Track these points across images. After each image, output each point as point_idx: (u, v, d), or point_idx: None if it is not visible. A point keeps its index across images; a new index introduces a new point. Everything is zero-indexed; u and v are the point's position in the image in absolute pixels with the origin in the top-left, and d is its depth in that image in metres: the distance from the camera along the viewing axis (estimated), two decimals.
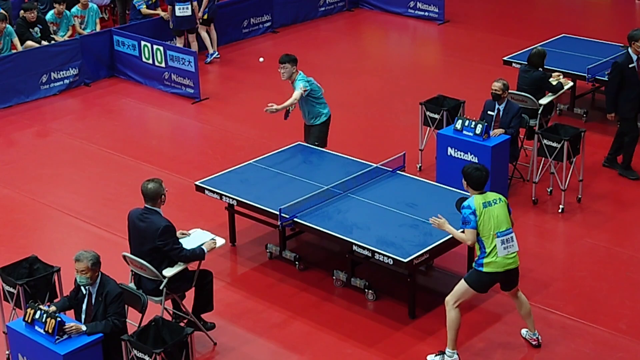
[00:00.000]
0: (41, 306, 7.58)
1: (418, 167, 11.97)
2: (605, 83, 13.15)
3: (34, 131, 13.90)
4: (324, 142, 11.07)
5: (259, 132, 13.35)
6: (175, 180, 11.76)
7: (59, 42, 15.49)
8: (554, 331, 8.80)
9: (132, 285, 8.50)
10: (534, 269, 9.81)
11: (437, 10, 18.31)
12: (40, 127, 14.00)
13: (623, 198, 11.30)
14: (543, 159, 11.04)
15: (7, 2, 16.33)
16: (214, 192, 10.03)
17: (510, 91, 11.28)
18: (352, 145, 12.48)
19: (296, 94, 10.73)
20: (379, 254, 8.70)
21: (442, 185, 10.08)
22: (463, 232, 8.08)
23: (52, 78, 15.08)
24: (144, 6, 16.48)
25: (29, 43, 15.20)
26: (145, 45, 15.30)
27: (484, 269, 8.01)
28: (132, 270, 8.57)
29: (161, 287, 8.30)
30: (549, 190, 11.30)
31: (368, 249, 8.79)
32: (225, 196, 9.92)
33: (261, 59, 10.92)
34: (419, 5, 18.49)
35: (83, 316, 7.70)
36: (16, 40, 15.09)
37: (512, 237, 8.06)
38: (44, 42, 15.38)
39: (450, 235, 8.40)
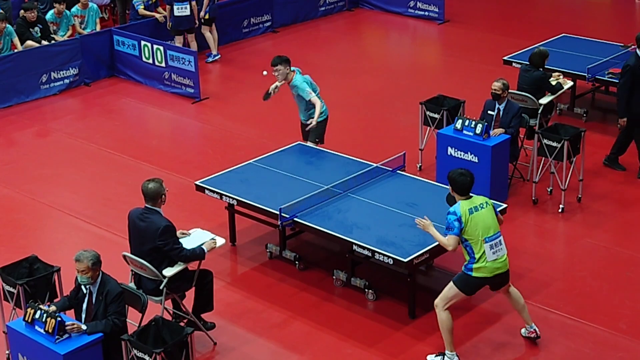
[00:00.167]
0: (41, 306, 7.58)
1: (418, 166, 11.97)
2: (606, 83, 13.19)
3: (34, 131, 13.90)
4: (322, 139, 11.10)
5: (259, 132, 13.36)
6: (175, 180, 11.77)
7: (59, 41, 15.50)
8: (554, 331, 8.80)
9: (132, 285, 8.50)
10: (534, 268, 9.81)
11: (437, 10, 18.31)
12: (40, 127, 14.00)
13: (623, 198, 11.29)
14: (543, 158, 11.04)
15: (7, 2, 16.33)
16: (214, 191, 10.03)
17: (510, 91, 11.28)
18: (352, 145, 12.48)
19: (314, 99, 10.85)
20: (379, 253, 8.70)
21: (442, 185, 10.07)
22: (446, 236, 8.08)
23: (52, 78, 15.08)
24: (142, 6, 16.47)
25: (29, 43, 15.20)
26: (145, 45, 15.30)
27: (474, 274, 8.02)
28: (132, 270, 8.57)
29: (161, 287, 8.30)
30: (549, 190, 11.30)
31: (368, 249, 8.80)
32: (226, 196, 9.92)
33: (265, 72, 10.95)
34: (419, 5, 18.49)
35: (83, 315, 7.70)
36: (16, 40, 15.09)
37: (500, 241, 8.06)
38: (44, 42, 15.38)
39: None
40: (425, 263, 9.21)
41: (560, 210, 10.93)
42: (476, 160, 10.71)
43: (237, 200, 9.84)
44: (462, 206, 7.96)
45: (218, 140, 13.34)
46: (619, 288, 9.49)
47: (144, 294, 8.09)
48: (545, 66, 12.09)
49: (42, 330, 7.44)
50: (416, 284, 9.16)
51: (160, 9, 16.61)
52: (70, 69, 15.28)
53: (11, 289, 8.18)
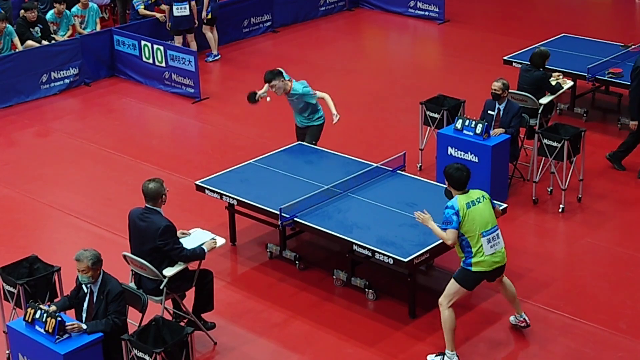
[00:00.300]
0: (41, 306, 7.58)
1: (418, 166, 11.97)
2: (606, 83, 13.20)
3: (34, 131, 13.90)
4: (318, 141, 11.12)
5: (259, 132, 13.36)
6: (175, 180, 11.77)
7: (59, 41, 15.50)
8: (554, 330, 8.81)
9: (132, 284, 8.50)
10: (534, 268, 9.81)
11: (437, 9, 18.32)
12: (40, 127, 14.00)
13: (623, 198, 11.29)
14: (543, 158, 11.04)
15: (8, 2, 16.33)
16: (214, 191, 10.03)
17: (510, 91, 11.28)
18: (352, 144, 12.48)
19: (321, 95, 11.00)
20: (379, 253, 8.70)
21: (442, 185, 10.05)
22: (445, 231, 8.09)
23: (53, 78, 15.08)
24: (142, 6, 16.48)
25: (29, 43, 15.21)
26: (145, 45, 15.31)
27: (473, 269, 8.04)
28: (132, 270, 8.58)
29: (161, 287, 8.30)
30: (549, 189, 11.30)
31: (368, 249, 8.80)
32: (226, 196, 9.93)
33: (268, 99, 10.98)
34: (419, 4, 18.49)
35: (84, 315, 7.70)
36: (16, 40, 15.09)
37: (497, 235, 8.09)
38: (44, 42, 15.38)
39: None
40: (426, 263, 9.20)
41: (560, 210, 10.93)
42: (476, 160, 10.71)
43: (237, 200, 9.84)
44: (459, 200, 7.97)
45: (218, 140, 13.34)
46: (619, 288, 9.49)
47: (144, 294, 8.10)
48: (546, 66, 12.09)
49: (42, 330, 7.44)
50: (416, 283, 9.17)
51: (163, 7, 16.58)
52: (71, 68, 15.28)
53: (11, 289, 8.18)
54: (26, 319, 7.58)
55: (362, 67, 16.07)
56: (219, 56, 16.51)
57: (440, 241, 8.73)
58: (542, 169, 11.19)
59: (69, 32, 16.05)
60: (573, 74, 12.96)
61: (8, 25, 15.04)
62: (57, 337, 7.35)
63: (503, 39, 16.94)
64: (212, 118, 14.12)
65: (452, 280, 8.18)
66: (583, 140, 10.94)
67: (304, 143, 11.06)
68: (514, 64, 13.39)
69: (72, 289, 7.87)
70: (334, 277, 9.63)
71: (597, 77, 12.84)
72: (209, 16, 16.18)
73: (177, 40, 15.86)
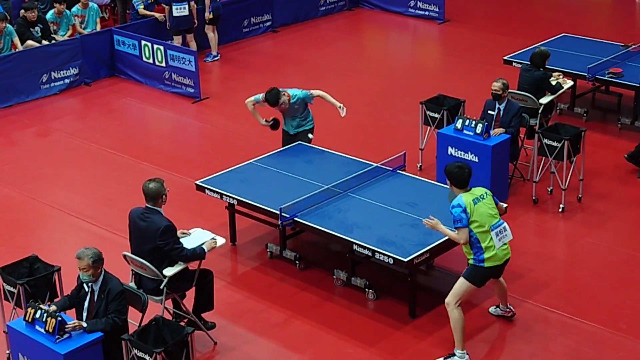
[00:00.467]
0: (42, 306, 7.58)
1: (418, 166, 11.97)
2: (606, 83, 13.19)
3: (35, 131, 13.90)
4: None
5: (260, 132, 13.34)
6: (175, 180, 11.77)
7: (59, 41, 15.50)
8: (555, 330, 8.81)
9: (132, 284, 8.50)
10: (534, 268, 9.81)
11: (437, 9, 18.32)
12: (40, 127, 14.00)
13: (623, 197, 11.29)
14: (543, 158, 11.04)
15: (8, 2, 16.33)
16: (214, 191, 10.03)
17: (510, 90, 11.29)
18: (353, 144, 12.48)
19: (317, 93, 11.01)
20: (380, 253, 8.70)
21: (442, 185, 10.07)
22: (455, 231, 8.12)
23: (53, 77, 15.08)
24: (142, 6, 16.48)
25: (30, 42, 15.21)
26: (145, 45, 15.31)
27: (486, 265, 8.07)
28: (132, 270, 8.58)
29: (162, 287, 8.30)
30: (549, 189, 11.30)
31: (368, 249, 8.80)
32: (226, 195, 9.93)
33: (310, 136, 10.85)
34: (419, 4, 18.49)
35: (85, 314, 7.70)
36: (16, 40, 15.09)
37: (504, 227, 8.15)
38: (45, 42, 15.38)
39: None
40: (426, 263, 9.20)
41: (560, 210, 10.93)
42: (476, 160, 10.71)
43: (237, 200, 9.84)
44: (465, 198, 8.00)
45: (218, 140, 13.34)
46: (619, 288, 9.49)
47: (144, 294, 8.10)
48: (546, 66, 12.09)
49: (42, 330, 7.44)
50: (416, 283, 9.16)
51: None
52: (71, 68, 15.28)
53: (11, 289, 8.18)
54: (26, 318, 7.58)
55: (362, 67, 16.07)
56: (219, 57, 16.50)
57: (441, 241, 8.77)
58: (542, 169, 11.19)
59: (69, 32, 16.05)
60: (573, 74, 12.96)
61: (8, 25, 15.04)
62: (57, 337, 7.35)
63: (503, 38, 16.94)
64: (212, 118, 14.12)
65: (462, 279, 8.18)
66: (583, 140, 10.94)
67: (305, 143, 11.05)
68: (514, 63, 13.39)
69: (73, 288, 7.87)
70: (334, 277, 9.63)
71: (597, 77, 12.84)
72: (211, 16, 16.17)
73: (177, 41, 15.86)
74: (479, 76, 14.91)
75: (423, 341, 8.71)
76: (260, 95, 10.82)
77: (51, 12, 16.00)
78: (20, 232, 10.93)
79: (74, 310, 7.86)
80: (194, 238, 8.77)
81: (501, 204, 8.67)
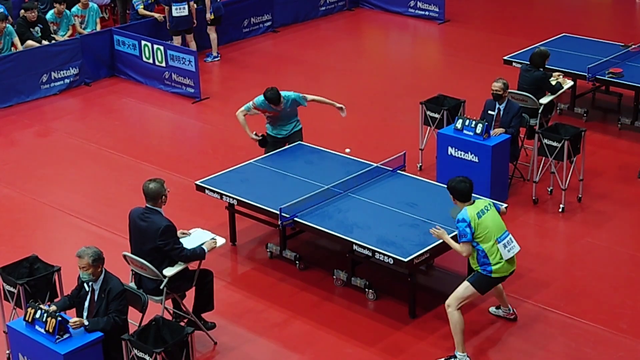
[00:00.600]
0: (42, 306, 7.58)
1: (418, 166, 11.97)
2: (606, 83, 13.19)
3: (35, 131, 13.90)
4: None
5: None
6: (175, 180, 11.76)
7: (59, 41, 15.50)
8: (555, 330, 8.81)
9: (132, 284, 8.50)
10: (534, 268, 9.81)
11: (437, 9, 18.32)
12: (40, 127, 14.00)
13: (623, 197, 11.29)
14: (543, 158, 11.04)
15: (8, 2, 16.33)
16: (214, 191, 10.03)
17: (510, 90, 11.29)
18: (353, 144, 12.44)
19: (312, 97, 10.99)
20: (380, 253, 8.70)
21: (442, 185, 10.05)
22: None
23: (53, 77, 15.08)
24: (142, 6, 16.48)
25: (30, 42, 15.20)
26: (145, 45, 15.31)
27: (493, 275, 8.11)
28: (132, 270, 8.58)
29: (162, 287, 8.30)
30: (549, 189, 11.30)
31: (368, 249, 8.79)
32: (226, 196, 9.92)
33: (348, 150, 10.75)
34: (419, 4, 18.49)
35: (85, 313, 7.70)
36: (16, 40, 15.09)
37: (511, 239, 8.18)
38: (45, 42, 15.38)
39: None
40: (426, 263, 9.20)
41: (560, 210, 10.93)
42: (476, 160, 10.71)
43: (237, 200, 9.84)
44: (469, 212, 8.03)
45: (218, 140, 13.34)
46: (619, 288, 9.49)
47: (144, 294, 8.10)
48: (546, 66, 12.09)
49: (42, 330, 7.44)
50: (416, 283, 9.16)
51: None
52: (71, 68, 15.28)
53: (11, 289, 8.18)
54: (26, 318, 7.58)
55: (362, 67, 16.07)
56: (219, 57, 16.50)
57: (441, 241, 8.76)
58: (542, 169, 11.19)
59: (69, 32, 16.05)
60: (573, 74, 12.96)
61: (8, 25, 15.04)
62: (57, 337, 7.35)
63: (503, 38, 16.94)
64: (212, 118, 14.12)
65: (467, 284, 8.19)
66: (583, 140, 10.94)
67: (305, 143, 11.05)
68: (514, 63, 13.38)
69: (73, 288, 7.87)
70: (334, 277, 9.63)
71: (597, 77, 12.84)
72: (212, 16, 16.17)
73: (176, 41, 15.85)
74: (479, 76, 14.91)
75: (423, 341, 8.71)
76: (251, 103, 10.82)
77: (51, 12, 16.00)
78: (20, 232, 10.93)
79: (74, 310, 7.85)
80: (194, 238, 8.77)
81: (502, 208, 8.67)
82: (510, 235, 8.19)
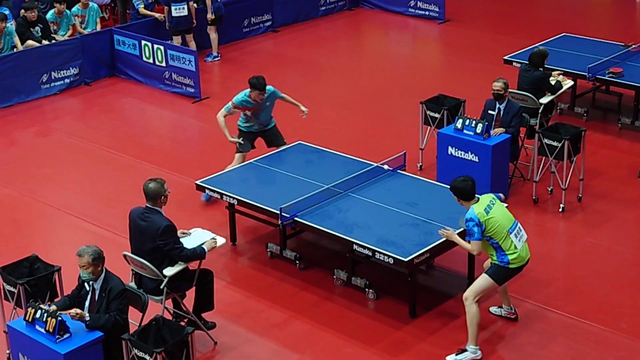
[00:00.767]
0: (42, 305, 7.58)
1: (419, 166, 11.96)
2: (606, 82, 13.19)
3: (35, 130, 13.90)
4: None
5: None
6: (175, 180, 11.76)
7: (59, 41, 15.50)
8: (555, 330, 8.80)
9: (132, 284, 8.50)
10: (534, 268, 9.80)
11: (437, 9, 18.31)
12: (40, 127, 14.00)
13: (623, 197, 11.29)
14: (544, 158, 11.04)
15: (8, 2, 16.32)
16: (214, 191, 10.03)
17: (511, 90, 11.28)
18: (353, 144, 12.48)
19: (287, 96, 11.15)
20: (380, 253, 8.70)
21: (442, 185, 10.07)
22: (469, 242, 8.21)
23: (53, 77, 15.08)
24: (142, 6, 16.47)
25: (30, 42, 15.20)
26: (145, 45, 15.30)
27: (511, 266, 8.18)
28: (132, 270, 8.57)
29: (162, 287, 8.29)
30: (549, 189, 11.30)
31: (369, 248, 8.79)
32: (226, 195, 9.92)
33: (386, 167, 10.54)
34: (419, 4, 18.49)
35: (86, 313, 7.69)
36: (17, 40, 15.08)
37: (520, 228, 8.29)
38: (45, 42, 15.38)
39: None
40: (426, 262, 9.20)
41: (560, 210, 10.93)
42: (477, 160, 10.71)
43: (237, 199, 9.84)
44: (476, 210, 8.05)
45: (218, 139, 13.30)
46: (619, 287, 9.49)
47: (144, 294, 8.10)
48: (545, 65, 12.09)
49: (42, 330, 7.43)
50: (417, 283, 9.16)
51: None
52: (71, 68, 15.28)
53: (12, 289, 8.18)
54: (26, 318, 7.57)
55: (363, 67, 16.06)
56: (219, 57, 16.50)
57: (441, 241, 8.78)
58: (543, 169, 11.19)
59: (69, 32, 16.05)
60: (573, 74, 12.96)
61: (8, 24, 15.04)
62: (57, 336, 7.35)
63: (503, 38, 16.94)
64: (212, 118, 14.02)
65: (485, 276, 8.25)
66: (583, 139, 10.94)
67: (305, 143, 11.05)
68: (514, 63, 13.38)
69: (74, 287, 7.87)
70: (334, 276, 9.62)
71: (597, 76, 12.83)
72: (213, 16, 16.17)
73: (176, 41, 15.84)
74: (479, 76, 14.91)
75: (423, 341, 8.70)
76: (230, 103, 10.86)
77: (51, 12, 16.00)
78: (20, 232, 10.93)
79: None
80: (194, 238, 8.77)
81: (501, 196, 8.70)
82: (519, 224, 8.28)
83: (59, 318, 7.36)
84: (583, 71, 12.80)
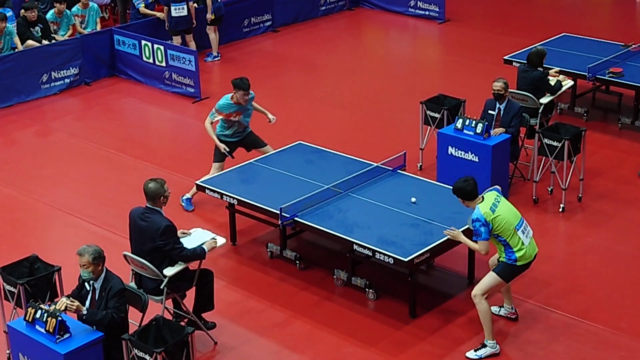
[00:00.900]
0: (42, 305, 7.57)
1: (419, 166, 11.96)
2: (606, 82, 13.19)
3: (35, 130, 13.90)
4: None
5: (260, 132, 13.32)
6: (176, 180, 11.75)
7: (59, 41, 15.49)
8: (555, 330, 8.80)
9: (132, 284, 8.50)
10: (534, 268, 9.75)
11: (437, 9, 18.31)
12: (40, 127, 14.00)
13: (624, 197, 11.29)
14: (544, 158, 11.04)
15: (9, 2, 16.32)
16: (214, 191, 10.03)
17: (511, 90, 11.28)
18: (353, 144, 12.48)
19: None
20: (380, 253, 8.70)
21: (442, 185, 10.07)
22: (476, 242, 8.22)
23: (53, 77, 15.08)
24: (142, 5, 16.47)
25: (30, 42, 15.20)
26: (145, 45, 15.30)
27: (519, 263, 8.20)
28: (132, 270, 8.57)
29: (162, 287, 8.29)
30: (549, 189, 11.30)
31: (369, 248, 8.79)
32: (226, 195, 9.92)
33: (413, 199, 10.29)
34: (419, 4, 18.49)
35: (83, 307, 7.69)
36: (17, 40, 15.08)
37: (526, 224, 8.30)
38: (45, 42, 15.38)
39: None
40: (426, 262, 9.20)
41: (560, 210, 10.93)
42: (477, 160, 10.71)
43: (237, 199, 9.84)
44: (482, 209, 8.05)
45: None
46: (620, 287, 9.49)
47: (144, 294, 8.10)
48: (545, 65, 12.09)
49: (42, 330, 7.43)
50: (417, 283, 9.16)
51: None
52: (71, 68, 15.28)
53: (12, 289, 8.18)
54: (27, 318, 7.57)
55: (363, 67, 16.06)
56: (219, 57, 16.50)
57: (441, 241, 8.78)
58: (543, 169, 11.19)
59: (70, 32, 16.05)
60: (573, 74, 12.96)
61: (8, 24, 15.03)
62: (57, 337, 7.35)
63: (503, 38, 16.94)
64: None
65: (493, 274, 8.27)
66: (583, 139, 10.94)
67: (305, 142, 11.05)
68: (514, 63, 13.38)
69: (74, 287, 7.87)
70: (335, 276, 9.62)
71: (597, 76, 12.83)
72: (213, 17, 16.16)
73: (176, 41, 15.84)
74: (479, 76, 14.90)
75: (423, 341, 8.70)
76: (213, 110, 10.87)
77: (51, 11, 16.00)
78: (20, 232, 10.93)
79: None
80: (194, 238, 8.77)
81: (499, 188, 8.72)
82: (525, 221, 8.29)
83: (59, 318, 7.36)
84: (583, 71, 12.80)
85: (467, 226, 8.81)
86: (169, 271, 8.29)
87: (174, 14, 15.65)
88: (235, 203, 9.89)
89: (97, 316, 7.50)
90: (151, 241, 8.23)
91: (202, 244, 8.58)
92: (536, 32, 16.56)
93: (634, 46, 13.66)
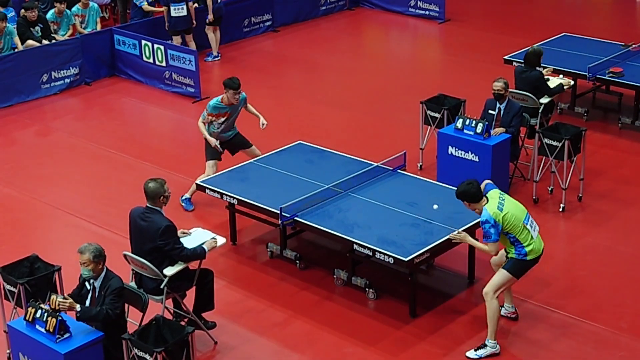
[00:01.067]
0: (42, 305, 7.57)
1: (419, 166, 11.96)
2: (606, 82, 13.19)
3: (35, 130, 13.90)
4: None
5: (260, 131, 13.33)
6: (176, 179, 11.75)
7: (59, 41, 15.49)
8: (556, 330, 8.80)
9: (132, 284, 8.50)
10: (535, 267, 9.71)
11: (437, 9, 18.31)
12: (41, 126, 14.00)
13: (624, 197, 11.29)
14: (544, 158, 11.04)
15: (9, 1, 16.32)
16: (214, 191, 10.03)
17: (511, 90, 11.28)
18: (353, 144, 12.48)
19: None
20: (380, 252, 8.70)
21: (442, 184, 10.08)
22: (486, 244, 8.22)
23: (53, 77, 15.08)
24: (145, 3, 16.46)
25: (30, 42, 15.20)
26: (145, 45, 15.30)
27: (529, 257, 8.20)
28: (132, 269, 8.57)
29: (162, 286, 8.29)
30: (549, 189, 11.30)
31: (369, 248, 8.79)
32: (226, 195, 9.92)
33: (435, 206, 10.11)
34: (419, 4, 18.49)
35: (76, 304, 7.68)
36: (17, 40, 15.08)
37: (532, 218, 8.30)
38: (45, 41, 15.38)
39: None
40: (426, 262, 9.20)
41: (561, 210, 10.93)
42: (477, 160, 10.71)
43: (237, 199, 9.84)
44: (490, 210, 8.04)
45: None
46: (620, 287, 9.49)
47: (144, 293, 8.09)
48: (542, 64, 12.10)
49: (42, 330, 7.44)
50: (417, 283, 9.16)
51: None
52: (71, 68, 15.28)
53: (12, 288, 8.18)
54: (27, 318, 7.57)
55: (363, 67, 16.06)
56: (219, 57, 16.50)
57: (441, 240, 8.78)
58: (543, 169, 11.19)
59: (70, 32, 16.05)
60: (574, 74, 12.96)
61: (8, 24, 15.04)
62: (57, 336, 7.35)
63: (503, 38, 16.94)
64: None
65: (503, 271, 8.26)
66: (584, 139, 10.94)
67: (305, 142, 11.05)
68: (514, 63, 13.36)
69: (75, 287, 7.87)
70: (335, 276, 9.62)
71: (597, 76, 12.83)
72: (212, 18, 16.15)
73: (176, 41, 15.83)
74: (479, 76, 14.90)
75: (423, 341, 8.70)
76: (204, 111, 10.89)
77: (51, 11, 16.00)
78: (20, 232, 10.93)
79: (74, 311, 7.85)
80: (194, 238, 8.77)
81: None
82: (530, 214, 8.30)
83: (59, 318, 7.36)
84: (583, 71, 12.80)
85: (467, 225, 8.81)
86: (169, 271, 8.29)
87: (173, 14, 15.65)
88: (235, 203, 9.89)
89: (92, 313, 7.49)
90: (151, 241, 8.23)
91: (202, 243, 8.58)
92: (536, 31, 16.55)
93: (634, 46, 13.66)
